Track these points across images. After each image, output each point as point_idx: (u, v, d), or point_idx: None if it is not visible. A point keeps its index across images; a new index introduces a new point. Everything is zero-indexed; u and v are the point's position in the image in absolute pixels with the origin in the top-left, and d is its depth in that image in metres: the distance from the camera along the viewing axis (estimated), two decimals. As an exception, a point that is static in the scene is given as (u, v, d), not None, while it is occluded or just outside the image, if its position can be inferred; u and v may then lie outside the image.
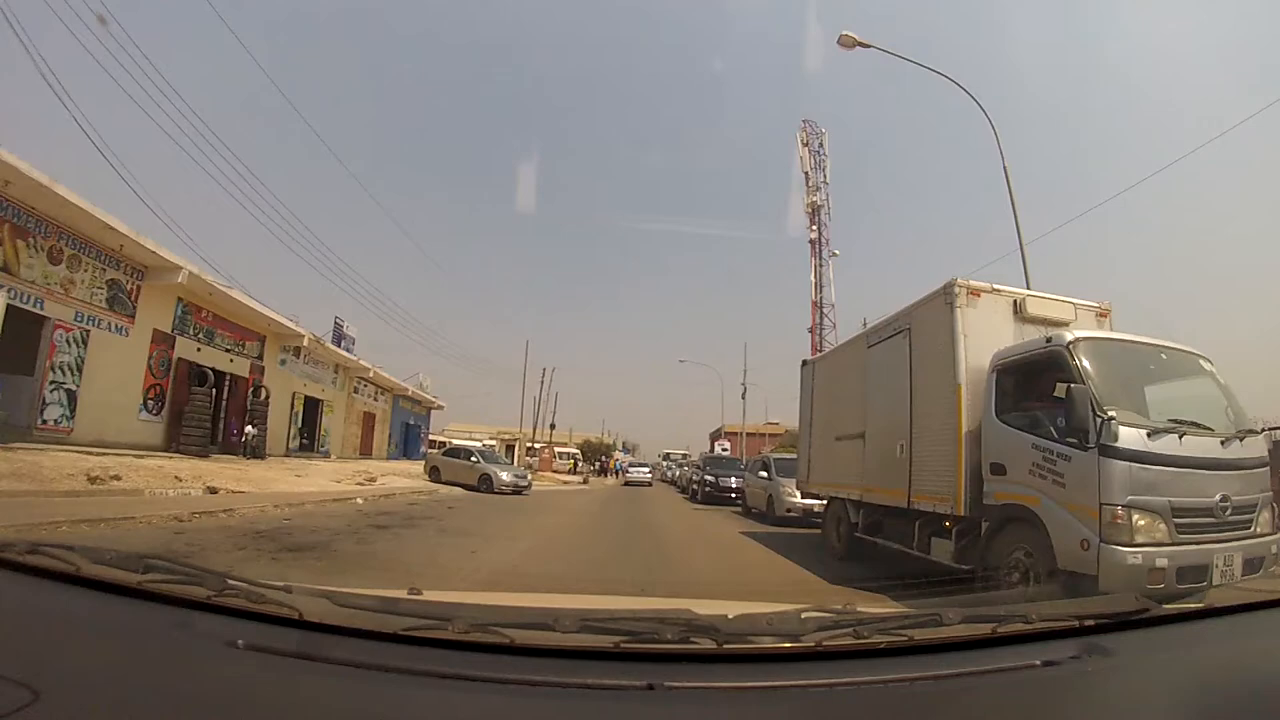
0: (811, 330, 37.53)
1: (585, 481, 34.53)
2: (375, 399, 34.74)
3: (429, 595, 1.57)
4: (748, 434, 43.65)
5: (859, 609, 1.33)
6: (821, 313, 37.44)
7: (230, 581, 1.11)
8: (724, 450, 36.57)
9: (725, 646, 1.03)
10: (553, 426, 51.52)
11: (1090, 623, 1.18)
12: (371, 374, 31.89)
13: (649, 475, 36.13)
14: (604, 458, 53.73)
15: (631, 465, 39.39)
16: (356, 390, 31.63)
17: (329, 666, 0.93)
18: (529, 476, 21.20)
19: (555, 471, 42.32)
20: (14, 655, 0.88)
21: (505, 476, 19.63)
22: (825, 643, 1.07)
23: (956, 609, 1.20)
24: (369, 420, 33.94)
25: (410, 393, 39.68)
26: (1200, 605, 1.29)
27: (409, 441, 40.05)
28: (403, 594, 1.55)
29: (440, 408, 45.65)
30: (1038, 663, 1.06)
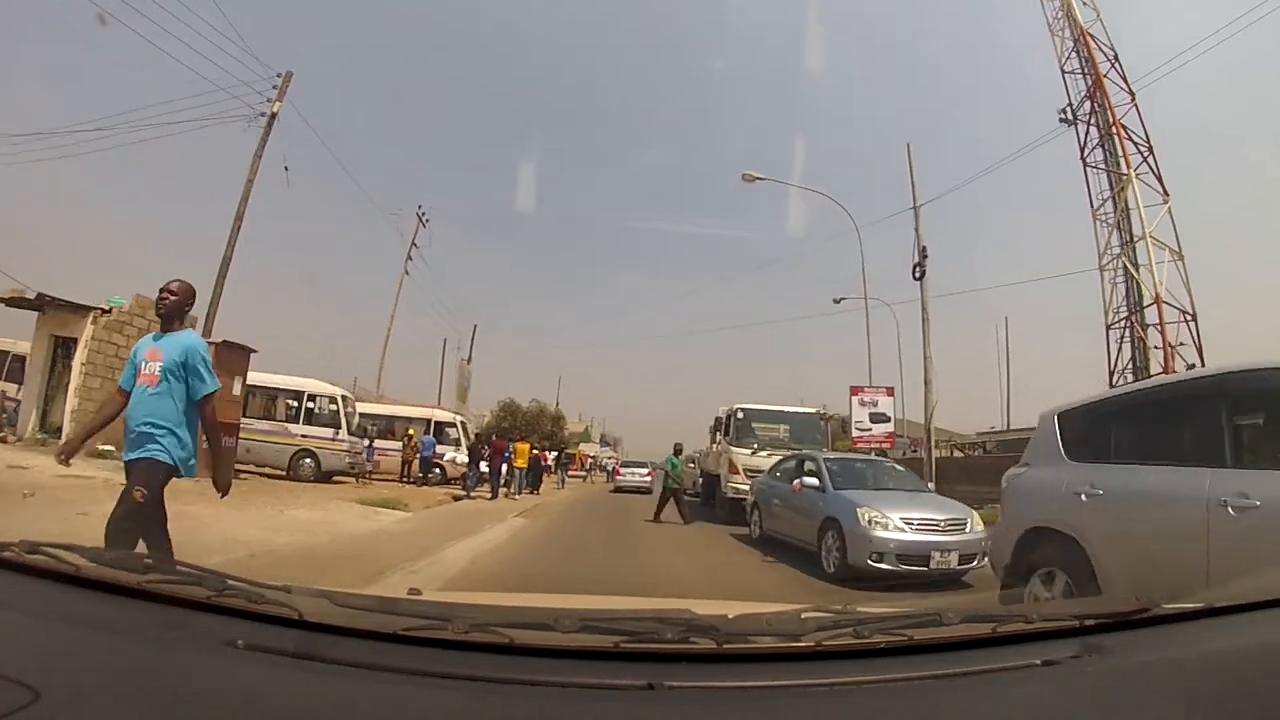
0: (1091, 92, 20.65)
1: None
2: None
3: (429, 595, 1.59)
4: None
5: (859, 609, 1.34)
6: (1089, 61, 20.64)
7: (230, 582, 1.12)
8: (877, 405, 18.16)
9: (725, 646, 1.03)
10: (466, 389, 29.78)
11: (1090, 623, 1.19)
12: None
13: (649, 479, 27.51)
14: (494, 444, 16.29)
15: (624, 465, 32.44)
16: None
17: (328, 666, 0.93)
18: None
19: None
20: (14, 655, 0.88)
21: None
22: (825, 643, 1.07)
23: (956, 609, 1.21)
24: None
25: None
26: (1200, 605, 1.29)
27: None
28: (403, 594, 1.56)
29: (94, 309, 13.06)
30: (1038, 662, 1.06)
